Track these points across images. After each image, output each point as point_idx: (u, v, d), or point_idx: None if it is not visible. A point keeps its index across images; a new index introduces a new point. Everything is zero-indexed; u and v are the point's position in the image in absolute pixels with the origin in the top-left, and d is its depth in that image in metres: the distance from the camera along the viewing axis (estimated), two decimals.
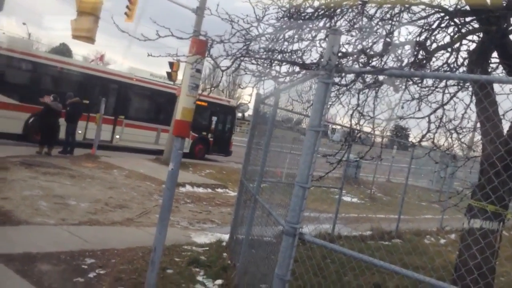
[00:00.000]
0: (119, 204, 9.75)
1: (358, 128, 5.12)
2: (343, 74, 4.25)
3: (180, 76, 18.45)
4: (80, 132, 17.15)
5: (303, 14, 5.29)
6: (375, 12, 5.43)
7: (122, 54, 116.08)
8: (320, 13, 4.98)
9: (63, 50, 68.12)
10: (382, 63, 5.21)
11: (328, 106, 3.67)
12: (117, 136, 19.36)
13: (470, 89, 4.91)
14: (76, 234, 7.08)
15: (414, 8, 5.92)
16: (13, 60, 16.26)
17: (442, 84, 5.03)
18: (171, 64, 17.75)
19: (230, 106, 24.36)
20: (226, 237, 8.18)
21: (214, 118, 23.09)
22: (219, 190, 14.28)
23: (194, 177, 15.50)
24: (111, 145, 19.13)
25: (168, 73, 18.03)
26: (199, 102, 23.05)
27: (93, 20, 7.66)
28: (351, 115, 4.66)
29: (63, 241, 6.68)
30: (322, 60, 3.58)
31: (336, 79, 4.71)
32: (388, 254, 8.47)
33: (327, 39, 3.41)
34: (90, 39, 7.78)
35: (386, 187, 24.12)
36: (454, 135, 4.85)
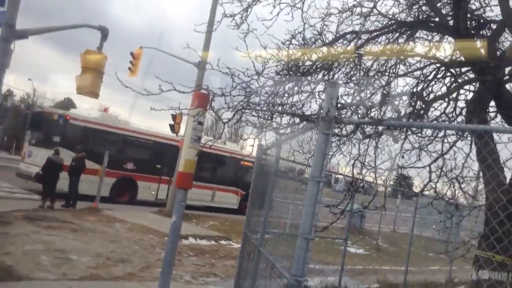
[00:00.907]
0: (120, 258, 9.61)
1: (360, 177, 5.13)
2: (343, 125, 4.32)
3: (183, 128, 18.69)
4: (153, 193, 19.86)
5: (302, 67, 5.45)
6: (372, 65, 5.60)
7: (126, 108, 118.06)
8: (318, 66, 5.13)
9: (67, 104, 69.42)
10: (381, 113, 5.30)
11: (329, 157, 3.71)
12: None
13: (469, 138, 4.96)
14: None
15: (410, 60, 6.09)
16: (95, 131, 18.60)
17: (441, 133, 5.10)
18: (173, 117, 18.04)
19: None
20: None
21: None
22: (223, 242, 14.10)
23: (197, 229, 15.35)
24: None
25: (171, 126, 18.27)
26: (245, 163, 23.51)
27: (97, 76, 7.86)
28: (353, 165, 4.70)
29: None
30: (321, 111, 3.65)
31: (336, 130, 4.79)
32: None
33: (325, 91, 3.50)
34: (94, 94, 7.95)
35: (392, 237, 23.77)
36: (456, 185, 4.85)
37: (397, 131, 4.15)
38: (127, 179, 19.37)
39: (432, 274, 15.14)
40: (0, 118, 46.02)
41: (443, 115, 5.25)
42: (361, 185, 5.96)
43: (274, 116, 4.72)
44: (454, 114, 5.79)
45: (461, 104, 5.93)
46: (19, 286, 6.68)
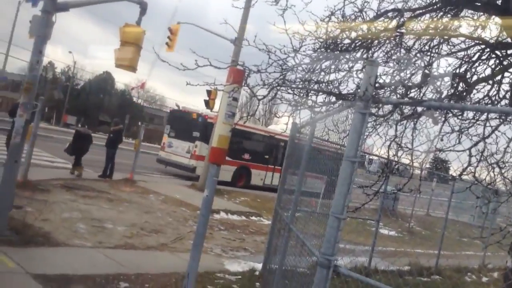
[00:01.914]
0: (154, 229, 9.85)
1: (395, 159, 5.03)
2: (380, 105, 4.22)
3: (217, 104, 18.78)
4: (261, 179, 23.81)
5: (340, 45, 5.33)
6: (413, 44, 5.42)
7: (163, 82, 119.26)
8: (357, 44, 5.00)
9: (106, 78, 70.79)
10: (421, 94, 5.16)
11: (365, 137, 3.65)
12: None
13: None
14: (111, 258, 7.18)
15: (454, 40, 5.86)
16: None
17: (483, 117, 4.92)
18: (208, 92, 18.11)
19: None
20: (259, 266, 8.11)
21: None
22: (253, 218, 14.23)
23: (228, 204, 15.52)
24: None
25: (205, 101, 18.36)
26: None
27: (136, 50, 7.91)
28: (389, 146, 4.60)
29: (99, 264, 6.79)
30: (359, 90, 3.57)
31: (373, 110, 4.69)
32: None
33: (364, 70, 3.41)
34: (132, 68, 8.02)
35: (426, 221, 23.41)
36: (496, 170, 4.69)
37: (438, 112, 4.02)
38: (244, 167, 22.96)
39: (466, 259, 14.89)
40: (41, 89, 47.32)
41: (486, 97, 5.06)
42: (396, 167, 5.84)
43: (310, 94, 4.66)
44: (497, 97, 5.57)
45: (506, 87, 5.70)
46: (56, 252, 6.93)
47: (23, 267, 5.86)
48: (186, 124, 22.02)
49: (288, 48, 5.04)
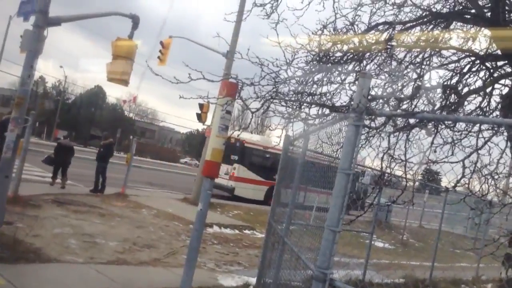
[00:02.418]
0: (147, 243, 9.75)
1: (389, 171, 5.04)
2: (373, 117, 4.23)
3: (209, 117, 18.78)
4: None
5: (332, 58, 5.36)
6: (405, 56, 5.46)
7: (154, 96, 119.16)
8: (349, 57, 5.03)
9: (98, 92, 70.70)
10: (413, 106, 5.18)
11: (359, 149, 3.65)
12: None
13: (506, 133, 4.80)
14: (103, 273, 7.08)
15: (444, 52, 5.92)
16: (258, 151, 23.80)
17: (476, 128, 4.95)
18: (201, 106, 18.09)
19: None
20: (253, 280, 8.04)
21: None
22: (247, 231, 14.16)
23: (221, 217, 15.45)
24: None
25: (198, 115, 18.35)
26: None
27: (128, 64, 7.90)
28: (382, 158, 4.61)
29: (90, 280, 6.70)
30: (352, 103, 3.58)
31: (366, 122, 4.70)
32: None
33: (357, 82, 3.43)
34: (124, 82, 8.01)
35: (418, 232, 23.43)
36: (490, 181, 4.70)
37: (431, 124, 4.04)
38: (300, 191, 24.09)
39: (459, 271, 14.88)
40: (32, 104, 47.06)
41: (478, 109, 5.09)
42: (389, 179, 5.85)
43: (303, 106, 4.66)
44: (488, 109, 5.62)
45: (496, 99, 5.75)
46: (47, 268, 6.83)
47: (14, 284, 5.75)
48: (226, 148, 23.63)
49: (281, 61, 5.06)
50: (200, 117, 18.22)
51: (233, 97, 4.72)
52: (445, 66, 5.52)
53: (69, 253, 7.84)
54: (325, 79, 4.82)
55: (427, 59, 5.54)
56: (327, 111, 4.45)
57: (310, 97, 4.86)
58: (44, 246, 7.77)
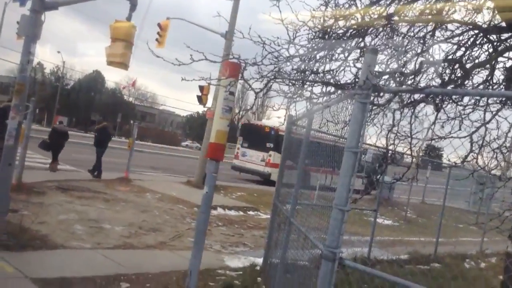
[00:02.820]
0: (152, 227, 9.78)
1: (392, 148, 4.99)
2: (378, 94, 4.17)
3: (210, 99, 18.69)
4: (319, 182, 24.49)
5: (334, 35, 5.27)
6: (408, 30, 5.35)
7: (153, 80, 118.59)
8: (352, 33, 4.94)
9: (96, 77, 70.39)
10: (416, 82, 5.11)
11: (365, 127, 3.60)
12: None
13: None
14: (111, 258, 7.11)
15: (449, 26, 5.81)
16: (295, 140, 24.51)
17: (482, 102, 4.88)
18: (201, 88, 17.98)
19: None
20: (259, 261, 8.07)
21: None
22: (251, 212, 14.20)
23: (225, 200, 15.49)
24: None
25: (198, 97, 18.25)
26: None
27: (127, 46, 7.78)
28: (387, 135, 4.55)
29: (98, 265, 6.72)
30: (357, 80, 3.52)
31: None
32: (430, 280, 8.20)
33: (363, 58, 3.36)
34: (124, 65, 7.89)
35: (421, 208, 23.53)
36: (498, 155, 4.66)
37: (438, 99, 3.98)
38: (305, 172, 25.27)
39: (464, 245, 14.97)
40: (31, 90, 46.87)
41: (484, 83, 5.02)
42: (394, 156, 5.80)
43: (307, 85, 4.59)
44: (492, 83, 5.54)
45: (501, 72, 5.66)
46: (54, 254, 6.85)
47: (22, 271, 5.77)
48: (258, 136, 25.46)
49: (282, 39, 4.98)
50: (201, 99, 18.12)
51: (236, 77, 4.65)
52: (449, 39, 5.41)
53: (76, 239, 7.86)
54: (328, 56, 4.74)
55: (430, 33, 5.43)
56: (332, 89, 4.38)
57: (313, 75, 4.79)
58: (50, 233, 7.79)
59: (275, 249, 7.16)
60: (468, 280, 9.57)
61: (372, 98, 3.72)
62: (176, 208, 12.43)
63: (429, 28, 5.56)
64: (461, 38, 5.84)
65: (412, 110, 4.49)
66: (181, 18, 19.22)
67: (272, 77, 4.31)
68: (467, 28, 5.79)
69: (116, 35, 7.71)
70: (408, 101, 4.06)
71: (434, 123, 4.75)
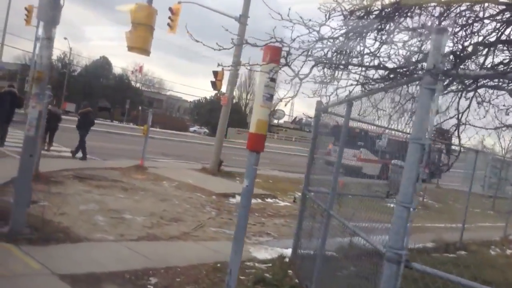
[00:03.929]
0: (173, 217, 9.55)
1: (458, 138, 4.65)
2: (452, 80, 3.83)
3: (224, 85, 18.37)
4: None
5: (376, 14, 4.89)
6: (457, 8, 4.97)
7: (160, 66, 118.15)
8: (401, 12, 4.57)
9: (103, 63, 69.99)
10: (466, 65, 4.75)
11: (434, 116, 3.28)
12: None
13: None
14: (136, 251, 6.88)
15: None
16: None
17: None
18: (215, 73, 17.62)
19: None
20: (287, 252, 7.82)
21: None
22: (269, 200, 13.95)
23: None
24: None
25: (212, 82, 17.90)
26: None
27: (149, 31, 7.48)
28: (458, 124, 4.21)
29: (125, 258, 6.48)
30: (423, 64, 3.19)
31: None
32: (462, 270, 7.93)
33: (432, 39, 3.02)
34: (145, 51, 7.59)
35: (437, 193, 23.25)
36: None
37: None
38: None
39: (484, 231, 14.70)
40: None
41: None
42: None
43: (360, 69, 4.25)
44: None
45: None
46: (79, 248, 6.61)
47: (48, 267, 5.53)
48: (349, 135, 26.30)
49: (314, 21, 4.63)
50: (215, 85, 17.77)
51: (277, 62, 4.32)
52: (501, 15, 5.02)
53: (98, 231, 7.63)
54: (376, 37, 4.38)
55: (480, 11, 5.04)
56: (386, 73, 4.05)
57: (359, 59, 4.45)
58: (72, 225, 7.56)
59: (307, 241, 6.90)
60: (497, 268, 9.31)
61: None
62: (195, 197, 12.19)
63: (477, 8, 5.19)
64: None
65: (477, 96, 4.15)
66: (193, 2, 18.76)
67: (325, 61, 3.97)
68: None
69: (137, 19, 7.40)
70: (476, 86, 3.73)
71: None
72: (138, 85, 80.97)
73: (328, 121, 6.93)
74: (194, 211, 10.51)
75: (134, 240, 7.52)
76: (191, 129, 73.34)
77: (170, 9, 18.24)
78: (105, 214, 8.71)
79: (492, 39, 4.41)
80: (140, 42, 7.34)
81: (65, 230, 7.21)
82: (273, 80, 4.34)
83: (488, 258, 10.65)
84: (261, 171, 21.08)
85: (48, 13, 6.33)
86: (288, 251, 7.83)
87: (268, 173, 21.04)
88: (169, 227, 8.74)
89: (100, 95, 65.65)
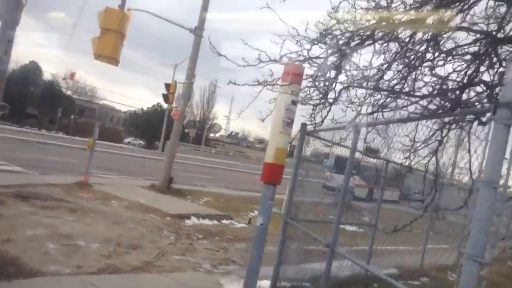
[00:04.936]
0: (131, 243, 8.67)
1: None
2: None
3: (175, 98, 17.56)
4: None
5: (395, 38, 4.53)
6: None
7: (93, 74, 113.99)
8: (423, 38, 4.23)
9: (33, 68, 66.02)
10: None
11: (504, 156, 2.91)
12: None
13: None
14: (99, 287, 6.02)
15: None
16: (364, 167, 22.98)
17: None
18: (167, 86, 16.82)
19: None
20: (263, 284, 7.24)
21: None
22: (225, 221, 13.32)
23: (195, 206, 14.53)
24: None
25: (164, 95, 17.06)
26: None
27: (119, 38, 6.73)
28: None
29: None
30: (497, 95, 2.81)
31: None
32: None
33: (507, 65, 2.66)
34: (114, 60, 6.83)
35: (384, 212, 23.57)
36: None
37: None
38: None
39: (432, 253, 14.87)
40: None
41: None
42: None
43: (390, 96, 3.84)
44: None
45: None
46: (36, 285, 5.67)
47: None
48: (343, 164, 25.93)
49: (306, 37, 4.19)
50: (167, 98, 16.93)
51: (299, 83, 3.82)
52: None
53: (52, 261, 6.67)
54: (399, 64, 4.00)
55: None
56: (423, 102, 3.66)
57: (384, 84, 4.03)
58: (22, 254, 6.56)
59: (292, 274, 6.40)
60: None
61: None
62: (149, 218, 11.30)
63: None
64: None
65: None
66: (144, 11, 17.86)
67: (357, 85, 3.51)
68: None
69: (107, 25, 6.62)
70: None
71: None
72: (69, 92, 77.34)
73: (318, 146, 6.50)
74: (151, 236, 9.66)
75: (94, 273, 6.63)
76: (126, 140, 70.86)
77: None
78: (56, 240, 7.69)
79: None
80: (109, 50, 6.56)
81: (15, 262, 6.22)
82: (294, 103, 3.82)
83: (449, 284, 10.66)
84: (209, 189, 20.40)
85: (8, 12, 5.43)
86: (264, 283, 7.26)
87: (216, 190, 20.37)
88: (128, 256, 7.88)
89: (28, 102, 61.84)
